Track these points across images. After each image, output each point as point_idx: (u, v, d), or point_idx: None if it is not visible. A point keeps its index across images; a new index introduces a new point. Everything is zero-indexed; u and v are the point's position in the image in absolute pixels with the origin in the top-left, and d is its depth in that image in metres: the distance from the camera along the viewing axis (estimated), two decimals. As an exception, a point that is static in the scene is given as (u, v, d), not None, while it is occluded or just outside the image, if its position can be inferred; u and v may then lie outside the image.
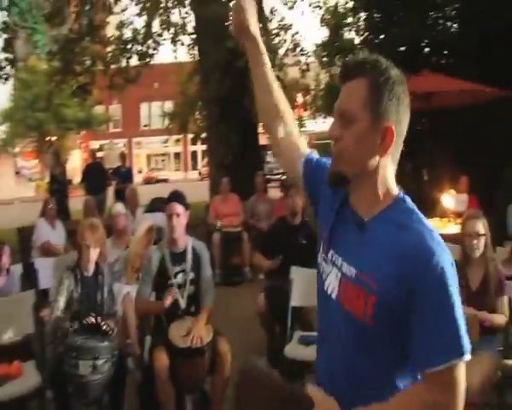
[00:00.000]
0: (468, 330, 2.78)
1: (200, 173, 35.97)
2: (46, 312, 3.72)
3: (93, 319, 3.10)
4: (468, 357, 1.10)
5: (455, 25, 12.35)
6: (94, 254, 3.40)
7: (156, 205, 6.73)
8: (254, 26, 1.44)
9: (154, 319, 3.45)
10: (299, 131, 1.54)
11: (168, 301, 3.20)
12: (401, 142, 1.23)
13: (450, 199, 6.21)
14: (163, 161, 42.66)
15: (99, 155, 40.40)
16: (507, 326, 3.08)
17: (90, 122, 31.20)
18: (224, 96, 9.88)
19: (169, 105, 34.86)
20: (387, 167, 1.23)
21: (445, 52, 11.51)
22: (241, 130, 9.95)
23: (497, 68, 7.63)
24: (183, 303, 3.30)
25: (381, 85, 1.18)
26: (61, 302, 3.28)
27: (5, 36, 10.21)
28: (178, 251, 3.37)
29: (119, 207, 4.98)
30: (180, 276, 3.33)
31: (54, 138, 32.73)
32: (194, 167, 40.74)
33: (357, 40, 15.91)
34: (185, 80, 18.01)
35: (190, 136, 23.49)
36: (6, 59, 10.73)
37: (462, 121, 8.10)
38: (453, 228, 5.66)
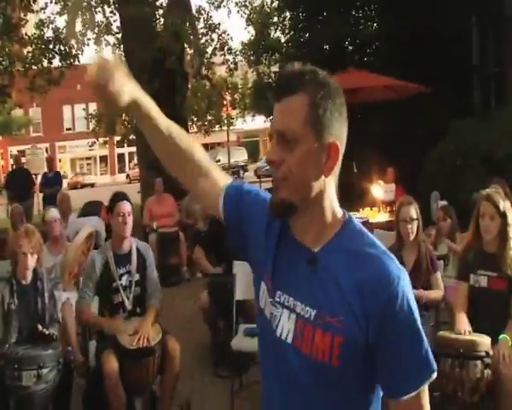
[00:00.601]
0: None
1: (128, 176, 35.19)
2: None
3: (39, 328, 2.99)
4: (435, 372, 1.10)
5: (375, 25, 12.98)
6: (32, 261, 3.27)
7: (89, 209, 6.55)
8: (128, 88, 1.18)
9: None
10: (211, 163, 1.34)
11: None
12: (340, 159, 1.12)
13: (379, 189, 6.54)
14: (88, 164, 41.21)
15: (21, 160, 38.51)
16: (438, 303, 3.32)
17: (8, 126, 29.59)
18: (153, 96, 9.74)
19: (93, 107, 33.84)
20: (332, 188, 1.13)
21: (368, 51, 12.05)
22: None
23: (418, 66, 8.11)
24: (128, 305, 3.26)
25: (321, 100, 1.07)
26: None
27: None
28: (123, 253, 3.33)
29: (54, 213, 4.80)
30: (125, 278, 3.29)
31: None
32: (122, 170, 39.75)
33: (283, 39, 16.32)
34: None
35: (117, 138, 22.91)
36: None
37: (386, 115, 8.54)
38: (383, 216, 5.98)
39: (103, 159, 40.99)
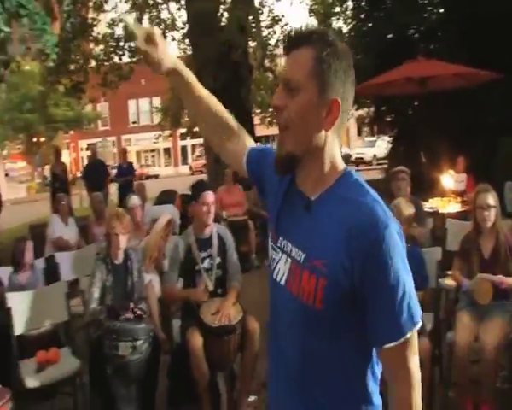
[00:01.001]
0: (483, 295, 2.99)
1: (190, 168, 36.03)
2: (75, 301, 3.89)
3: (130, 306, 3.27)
4: (419, 324, 1.11)
5: (441, 10, 12.57)
6: (123, 241, 3.55)
7: (164, 198, 6.87)
8: (169, 58, 1.38)
9: (182, 303, 3.61)
10: (240, 128, 1.50)
11: (202, 292, 3.38)
12: (346, 119, 1.18)
13: (449, 179, 6.43)
14: (153, 157, 42.63)
15: (89, 153, 40.51)
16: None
17: (79, 121, 31.10)
18: (219, 88, 10.04)
19: (157, 101, 34.91)
20: (333, 143, 1.18)
21: (434, 38, 11.70)
22: (238, 122, 10.10)
23: (488, 51, 7.84)
24: (210, 286, 3.46)
25: (327, 57, 1.12)
26: (96, 294, 3.43)
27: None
28: (204, 237, 3.53)
29: (136, 200, 5.11)
30: (207, 261, 3.49)
31: (42, 139, 32.59)
32: (185, 162, 40.78)
33: (345, 29, 16.13)
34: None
35: (181, 131, 23.56)
36: (-1, 61, 10.77)
37: (456, 104, 8.32)
38: (454, 206, 5.90)
39: (167, 151, 42.25)
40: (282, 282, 1.21)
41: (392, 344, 1.09)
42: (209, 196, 3.47)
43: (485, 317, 3.07)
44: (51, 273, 4.58)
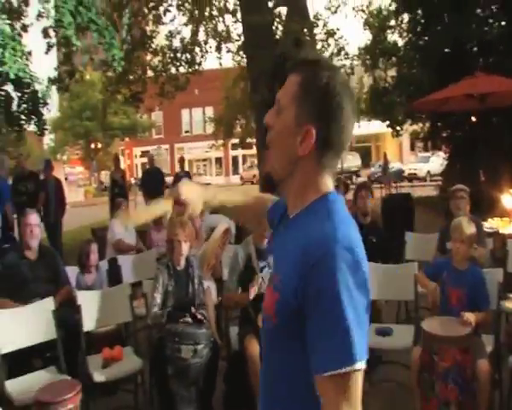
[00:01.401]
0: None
1: (241, 178, 36.44)
2: (138, 303, 4.07)
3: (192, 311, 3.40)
4: (361, 366, 1.01)
5: (502, 23, 12.20)
6: (185, 248, 3.71)
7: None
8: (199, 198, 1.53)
9: (241, 311, 3.71)
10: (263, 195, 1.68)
11: (252, 291, 3.46)
12: (338, 149, 1.18)
13: (509, 199, 6.25)
14: (204, 166, 43.44)
15: (144, 160, 41.75)
16: None
17: (134, 129, 32.19)
18: (273, 100, 10.16)
19: (210, 111, 35.61)
20: (315, 169, 1.18)
21: (495, 52, 11.39)
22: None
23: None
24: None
25: (310, 85, 1.14)
26: (158, 299, 3.59)
27: (64, 50, 10.74)
28: (263, 247, 3.63)
29: (196, 209, 5.27)
30: (265, 270, 3.58)
31: (99, 146, 33.91)
32: (235, 172, 41.29)
33: (400, 42, 16.00)
34: (230, 86, 18.45)
35: (234, 141, 23.91)
36: (65, 71, 11.35)
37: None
38: (514, 227, 5.72)
39: (218, 161, 42.96)
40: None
41: (318, 375, 1.03)
42: None
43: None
44: (113, 275, 4.80)
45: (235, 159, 42.32)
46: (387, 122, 16.71)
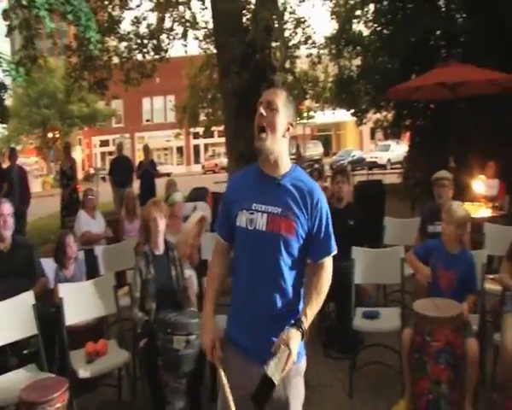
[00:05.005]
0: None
1: (203, 167, 36.17)
2: (121, 292, 3.93)
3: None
4: (335, 251, 1.99)
5: (464, 15, 12.44)
6: (162, 224, 3.60)
7: (196, 194, 6.91)
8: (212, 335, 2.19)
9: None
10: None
11: None
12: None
13: (480, 184, 6.42)
14: (165, 155, 42.78)
15: (103, 149, 40.76)
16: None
17: (94, 118, 31.28)
18: (244, 88, 10.04)
19: (171, 99, 35.03)
20: (286, 148, 1.99)
21: (458, 43, 11.61)
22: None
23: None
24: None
25: (289, 99, 2.00)
26: (138, 295, 3.48)
27: (25, 33, 10.24)
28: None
29: (179, 196, 5.13)
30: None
31: (57, 134, 32.83)
32: (197, 161, 40.91)
33: (365, 32, 16.10)
34: (195, 74, 18.17)
35: (193, 130, 23.61)
36: (26, 56, 10.82)
37: (487, 110, 8.26)
38: (486, 211, 5.89)
39: (179, 150, 42.41)
40: (263, 228, 1.91)
41: (326, 258, 1.98)
42: None
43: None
44: (89, 266, 4.63)
45: (196, 148, 41.91)
46: (352, 111, 16.85)
